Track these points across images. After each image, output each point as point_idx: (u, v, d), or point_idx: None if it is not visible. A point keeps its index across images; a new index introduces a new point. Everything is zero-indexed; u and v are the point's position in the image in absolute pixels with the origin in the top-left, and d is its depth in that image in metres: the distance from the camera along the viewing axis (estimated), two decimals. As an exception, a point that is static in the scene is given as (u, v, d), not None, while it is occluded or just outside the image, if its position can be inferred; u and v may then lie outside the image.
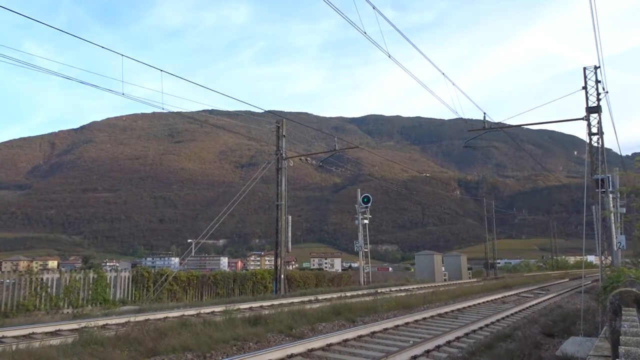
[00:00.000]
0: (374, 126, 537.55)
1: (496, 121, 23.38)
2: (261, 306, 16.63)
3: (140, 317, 12.91)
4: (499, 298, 22.12)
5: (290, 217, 26.34)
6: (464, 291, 24.97)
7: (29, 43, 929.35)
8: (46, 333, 10.68)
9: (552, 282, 39.43)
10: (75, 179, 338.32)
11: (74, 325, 11.32)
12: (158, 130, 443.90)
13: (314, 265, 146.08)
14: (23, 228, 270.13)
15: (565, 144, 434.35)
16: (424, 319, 13.75)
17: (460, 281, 40.72)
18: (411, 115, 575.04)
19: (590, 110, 19.46)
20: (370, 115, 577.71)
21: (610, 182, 18.45)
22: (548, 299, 22.60)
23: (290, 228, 26.14)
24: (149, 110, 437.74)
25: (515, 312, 16.39)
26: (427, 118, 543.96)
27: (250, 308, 15.93)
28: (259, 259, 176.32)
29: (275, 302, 17.72)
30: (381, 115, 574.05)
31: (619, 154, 27.38)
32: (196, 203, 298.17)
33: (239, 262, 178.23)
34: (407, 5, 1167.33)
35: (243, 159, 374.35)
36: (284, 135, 26.74)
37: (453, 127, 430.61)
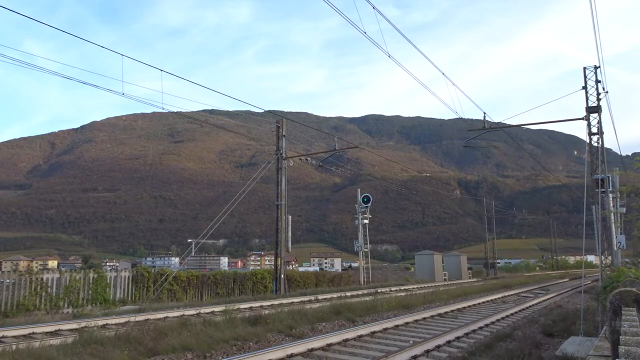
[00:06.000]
0: (374, 126, 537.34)
1: (496, 121, 23.37)
2: (261, 306, 16.62)
3: (140, 317, 12.91)
4: (498, 298, 22.12)
5: (290, 217, 26.32)
6: (464, 291, 24.98)
7: (29, 42, 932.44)
8: (46, 333, 10.67)
9: (552, 281, 39.42)
10: (75, 179, 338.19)
11: (74, 325, 11.32)
12: (158, 130, 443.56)
13: (313, 265, 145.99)
14: (23, 228, 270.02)
15: (565, 144, 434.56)
16: (424, 318, 13.75)
17: (460, 281, 40.70)
18: (411, 115, 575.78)
19: (590, 110, 19.46)
20: (370, 115, 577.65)
21: (610, 182, 18.44)
22: (548, 298, 22.60)
23: (290, 228, 26.13)
24: (149, 110, 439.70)
25: (515, 312, 16.39)
26: (427, 118, 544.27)
27: (250, 308, 15.92)
28: (259, 258, 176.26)
29: (275, 302, 17.71)
30: (381, 115, 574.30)
31: (619, 153, 27.37)
32: (196, 203, 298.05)
33: (239, 262, 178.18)
34: (410, 3, 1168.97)
35: (243, 159, 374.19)
36: (284, 135, 26.73)
37: (453, 127, 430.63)
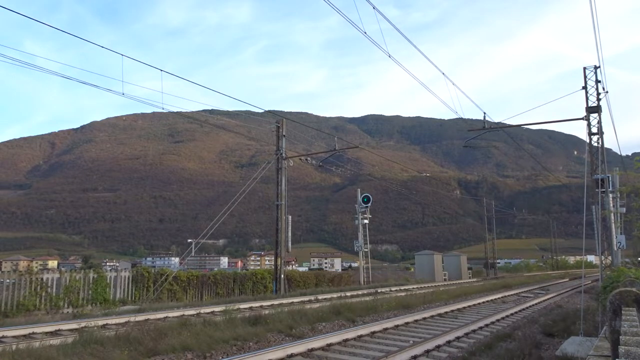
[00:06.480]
0: (374, 126, 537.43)
1: (496, 121, 23.38)
2: (261, 306, 16.62)
3: (140, 317, 12.91)
4: (498, 298, 22.11)
5: (290, 217, 26.32)
6: (464, 291, 24.96)
7: (29, 42, 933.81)
8: (46, 333, 10.68)
9: (552, 282, 39.41)
10: (75, 179, 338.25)
11: (74, 325, 11.32)
12: (158, 130, 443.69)
13: (313, 265, 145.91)
14: (23, 228, 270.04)
15: (565, 144, 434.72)
16: (424, 318, 13.74)
17: (460, 281, 40.70)
18: (411, 115, 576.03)
19: (590, 110, 19.45)
20: (370, 115, 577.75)
21: (610, 182, 18.44)
22: (548, 298, 22.60)
23: (290, 228, 26.13)
24: (149, 110, 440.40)
25: (515, 312, 16.39)
26: (427, 118, 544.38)
27: (250, 308, 15.92)
28: (259, 259, 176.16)
29: (275, 302, 17.71)
30: (381, 115, 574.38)
31: (619, 153, 27.40)
32: (196, 203, 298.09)
33: (239, 262, 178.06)
34: (410, 3, 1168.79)
35: (243, 159, 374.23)
36: (284, 135, 26.73)
37: (453, 127, 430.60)
